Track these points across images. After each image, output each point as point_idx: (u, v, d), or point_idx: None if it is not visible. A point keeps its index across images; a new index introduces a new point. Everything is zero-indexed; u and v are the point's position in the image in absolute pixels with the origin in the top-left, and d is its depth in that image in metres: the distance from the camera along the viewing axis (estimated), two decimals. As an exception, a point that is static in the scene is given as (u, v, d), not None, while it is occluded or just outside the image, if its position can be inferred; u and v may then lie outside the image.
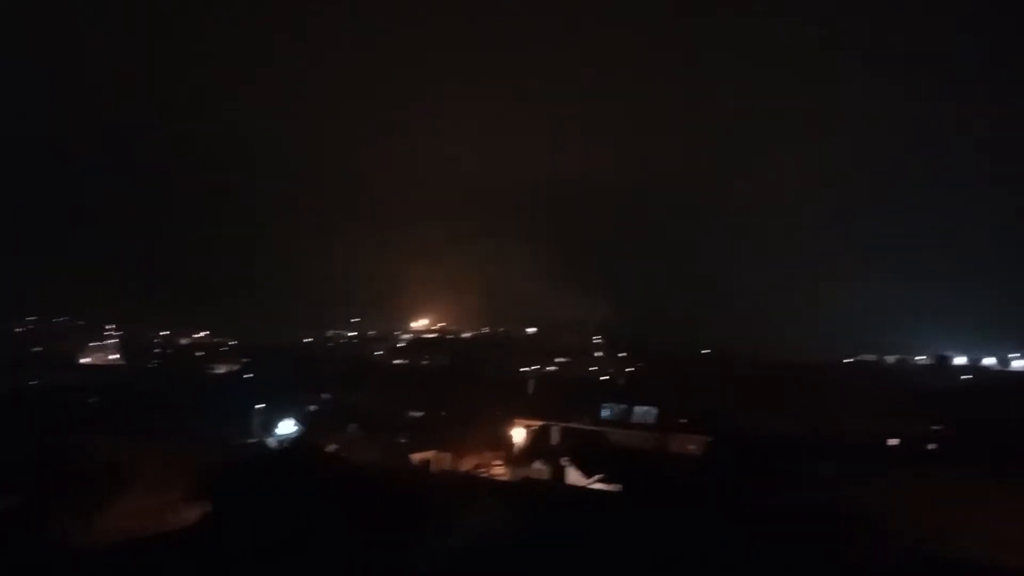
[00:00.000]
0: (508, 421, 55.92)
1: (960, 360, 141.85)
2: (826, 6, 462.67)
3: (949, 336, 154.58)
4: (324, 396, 75.81)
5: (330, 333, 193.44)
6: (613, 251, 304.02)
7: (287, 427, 59.62)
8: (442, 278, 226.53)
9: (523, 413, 57.79)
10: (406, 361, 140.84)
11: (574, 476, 39.97)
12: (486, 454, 52.18)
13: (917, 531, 25.09)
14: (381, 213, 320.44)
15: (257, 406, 60.51)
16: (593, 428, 55.09)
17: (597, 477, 37.40)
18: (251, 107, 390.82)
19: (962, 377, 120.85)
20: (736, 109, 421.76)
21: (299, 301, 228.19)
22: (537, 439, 53.38)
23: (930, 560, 22.58)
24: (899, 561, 22.19)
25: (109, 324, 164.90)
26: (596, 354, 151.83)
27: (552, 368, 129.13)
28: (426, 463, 48.11)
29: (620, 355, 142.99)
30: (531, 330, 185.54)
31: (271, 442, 56.34)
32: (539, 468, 44.45)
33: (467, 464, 50.15)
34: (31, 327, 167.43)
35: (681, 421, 55.34)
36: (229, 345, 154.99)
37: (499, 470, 49.21)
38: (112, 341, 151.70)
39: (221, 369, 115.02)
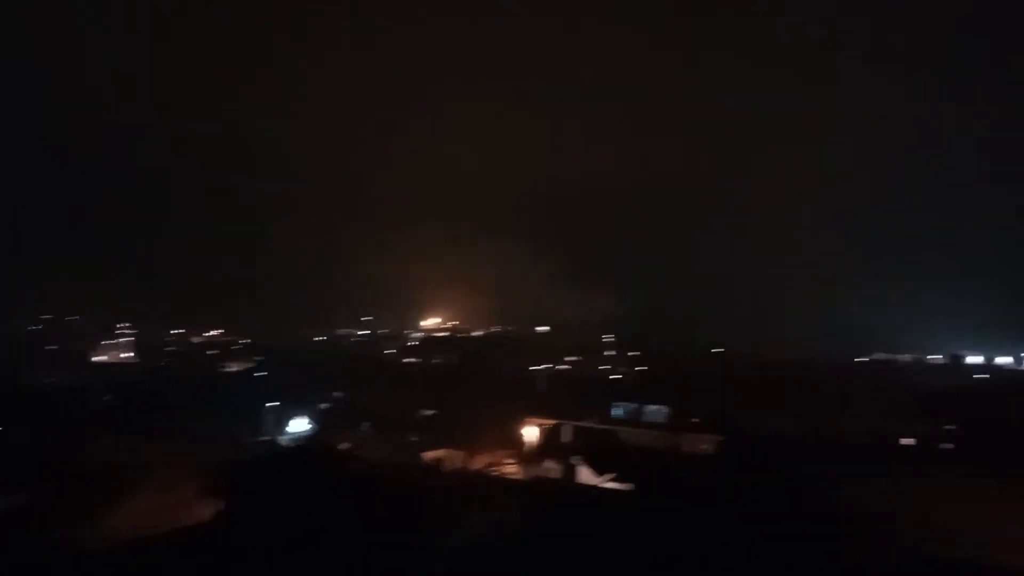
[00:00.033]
0: (519, 419, 55.84)
1: (975, 359, 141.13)
2: (826, 6, 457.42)
3: (960, 335, 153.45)
4: (336, 394, 76.13)
5: (341, 332, 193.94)
6: (613, 251, 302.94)
7: (299, 425, 59.87)
8: (450, 277, 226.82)
9: (534, 412, 57.73)
10: (417, 360, 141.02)
11: (586, 475, 39.78)
12: (498, 452, 52.09)
13: (929, 531, 25.02)
14: (382, 213, 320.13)
15: (270, 404, 60.89)
16: (604, 427, 55.07)
17: (609, 476, 37.24)
18: (251, 107, 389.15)
19: (975, 376, 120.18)
20: (736, 109, 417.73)
21: (310, 300, 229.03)
22: (548, 438, 53.28)
23: (932, 560, 22.51)
24: (909, 561, 22.16)
25: (122, 323, 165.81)
26: (607, 353, 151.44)
27: (563, 367, 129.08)
28: (438, 461, 48.10)
29: (631, 354, 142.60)
30: (542, 329, 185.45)
31: (284, 440, 56.65)
32: (551, 467, 44.19)
33: (479, 462, 50.10)
34: (45, 326, 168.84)
35: (693, 420, 55.27)
36: (242, 343, 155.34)
37: (511, 469, 49.07)
38: (125, 339, 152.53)
39: (234, 367, 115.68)
